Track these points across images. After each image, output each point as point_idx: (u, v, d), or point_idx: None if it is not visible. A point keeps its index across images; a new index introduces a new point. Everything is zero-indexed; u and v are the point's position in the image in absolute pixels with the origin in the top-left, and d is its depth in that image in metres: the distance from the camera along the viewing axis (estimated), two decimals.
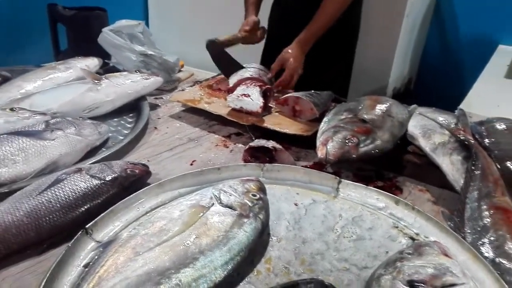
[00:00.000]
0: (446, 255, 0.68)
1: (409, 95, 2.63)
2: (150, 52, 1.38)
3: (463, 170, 0.91)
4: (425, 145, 1.00)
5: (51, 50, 1.64)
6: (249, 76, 1.25)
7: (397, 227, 0.82)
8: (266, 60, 1.55)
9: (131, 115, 1.25)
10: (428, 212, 0.88)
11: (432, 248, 0.69)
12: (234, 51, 1.47)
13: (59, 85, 1.23)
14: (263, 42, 1.65)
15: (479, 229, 0.78)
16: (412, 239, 0.80)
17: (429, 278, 0.62)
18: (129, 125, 1.20)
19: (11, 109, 1.03)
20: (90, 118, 1.12)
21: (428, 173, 1.01)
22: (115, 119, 1.22)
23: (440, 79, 2.68)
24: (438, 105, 1.18)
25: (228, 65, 1.45)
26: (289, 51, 1.37)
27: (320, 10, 1.40)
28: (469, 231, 0.79)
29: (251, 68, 1.32)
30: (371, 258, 0.75)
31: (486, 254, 0.74)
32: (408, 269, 0.64)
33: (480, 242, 0.76)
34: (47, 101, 1.13)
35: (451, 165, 0.93)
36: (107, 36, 1.39)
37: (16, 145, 0.89)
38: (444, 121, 1.05)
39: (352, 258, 0.75)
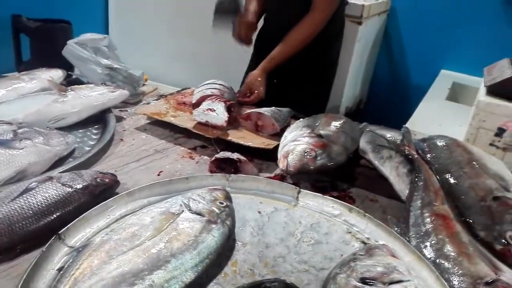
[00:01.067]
0: (393, 256, 0.77)
1: (359, 113, 2.79)
2: (115, 66, 1.41)
3: (408, 182, 1.01)
4: (374, 159, 1.10)
5: (12, 60, 1.61)
6: (210, 93, 1.32)
7: (350, 232, 0.91)
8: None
9: (96, 126, 1.27)
10: (378, 219, 0.98)
11: (381, 250, 0.77)
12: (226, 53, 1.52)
13: (25, 95, 1.23)
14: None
15: (422, 233, 0.88)
16: (364, 243, 0.88)
17: (379, 276, 0.70)
18: (94, 136, 1.22)
19: None
20: (56, 129, 1.13)
21: (378, 184, 1.10)
22: (81, 130, 1.24)
23: (388, 99, 2.88)
24: (386, 123, 1.30)
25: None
26: (254, 77, 1.54)
27: (285, 40, 1.54)
28: (413, 235, 0.88)
29: (216, 84, 1.39)
30: (327, 260, 0.83)
31: (428, 256, 0.83)
32: (360, 268, 0.72)
33: (423, 245, 0.85)
34: (12, 111, 1.13)
35: (397, 177, 1.03)
36: (72, 49, 1.41)
37: None
38: (391, 138, 1.16)
39: (311, 261, 0.82)
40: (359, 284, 0.69)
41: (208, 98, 1.27)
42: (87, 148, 1.13)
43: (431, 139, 1.15)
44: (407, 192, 0.99)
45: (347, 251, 0.85)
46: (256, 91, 1.52)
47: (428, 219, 0.90)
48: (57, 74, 1.40)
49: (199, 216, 0.80)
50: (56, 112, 1.18)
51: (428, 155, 1.08)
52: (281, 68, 1.58)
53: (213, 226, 0.79)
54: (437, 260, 0.82)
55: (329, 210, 0.96)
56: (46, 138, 1.00)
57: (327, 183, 1.12)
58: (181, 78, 2.22)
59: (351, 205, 0.96)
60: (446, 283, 0.75)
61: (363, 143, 1.17)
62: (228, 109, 1.24)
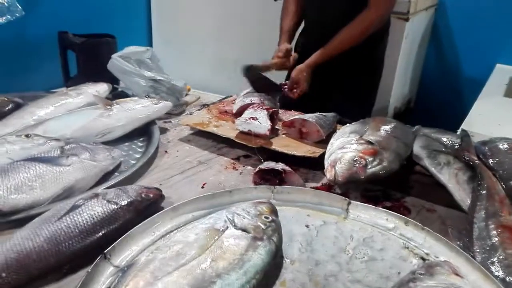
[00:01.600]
0: (457, 274, 0.70)
1: (409, 114, 2.67)
2: (159, 78, 1.41)
3: (469, 190, 0.93)
4: (430, 165, 1.02)
5: (60, 76, 1.67)
6: (250, 102, 1.29)
7: (407, 248, 0.84)
8: None
9: (141, 139, 1.28)
10: (437, 232, 0.90)
11: (443, 268, 0.71)
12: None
13: (71, 111, 1.26)
14: None
15: (488, 248, 0.80)
16: (423, 259, 0.81)
17: None
18: (140, 149, 1.22)
19: (26, 136, 1.05)
20: (102, 143, 1.15)
21: (435, 192, 1.02)
22: (126, 144, 1.25)
23: (439, 98, 2.73)
24: (438, 123, 1.21)
25: (265, 86, 1.51)
26: (299, 71, 1.51)
27: (337, 37, 1.50)
28: (478, 250, 0.81)
29: (255, 94, 1.37)
30: (383, 279, 0.77)
31: (496, 273, 0.75)
32: None
33: (490, 261, 0.77)
34: (60, 127, 1.16)
35: (457, 185, 0.95)
36: (116, 62, 1.43)
37: (33, 172, 0.91)
38: (448, 142, 1.08)
39: (365, 280, 0.77)
40: None
41: (250, 107, 1.24)
42: (133, 162, 1.13)
43: (493, 142, 1.06)
44: (469, 201, 0.91)
45: (404, 269, 0.78)
46: (300, 87, 1.49)
47: (494, 232, 0.82)
48: (103, 88, 1.42)
49: (244, 232, 0.77)
50: (102, 127, 1.19)
51: (491, 160, 0.99)
52: (325, 67, 1.53)
53: (259, 243, 0.75)
54: (507, 278, 0.73)
55: (383, 223, 0.90)
56: (92, 154, 1.01)
57: (379, 192, 1.06)
58: (224, 86, 2.22)
59: (407, 217, 0.89)
60: None
61: (417, 148, 1.10)
62: (271, 117, 1.20)
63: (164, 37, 2.79)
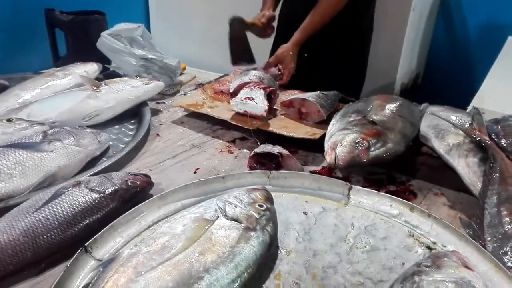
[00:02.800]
0: (466, 266, 0.64)
1: (417, 90, 2.57)
2: (150, 56, 1.34)
3: (480, 173, 0.86)
4: (438, 146, 0.95)
5: (50, 56, 1.60)
6: (249, 80, 1.21)
7: (412, 236, 0.78)
8: None
9: (132, 121, 1.22)
10: (445, 218, 0.85)
11: (451, 259, 0.65)
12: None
13: (58, 93, 1.19)
14: (271, 41, 1.64)
15: (500, 236, 0.74)
16: (429, 248, 0.75)
17: None
18: (130, 132, 1.16)
19: (8, 120, 0.99)
20: (90, 126, 1.09)
21: (443, 175, 0.96)
22: (116, 127, 1.19)
23: (448, 73, 2.62)
24: (447, 99, 1.14)
25: (241, 50, 1.43)
26: (285, 50, 1.41)
27: (315, 9, 1.42)
28: (489, 238, 0.75)
29: (253, 72, 1.28)
30: (386, 271, 0.71)
31: (509, 264, 0.69)
32: (427, 284, 0.60)
33: (502, 251, 0.72)
34: (45, 110, 1.10)
35: (467, 168, 0.88)
36: (106, 41, 1.35)
37: (13, 158, 0.86)
38: (457, 121, 1.00)
39: (366, 271, 0.71)
40: None
41: (246, 86, 1.17)
42: (122, 146, 1.08)
43: (506, 121, 0.99)
44: (480, 185, 0.84)
45: (409, 259, 0.73)
46: (286, 68, 1.40)
47: (507, 219, 0.76)
48: (93, 68, 1.36)
49: (235, 222, 0.71)
50: (89, 109, 1.13)
51: (504, 141, 0.92)
52: (311, 42, 1.45)
53: (252, 234, 0.70)
54: None
55: (386, 209, 0.84)
56: (77, 138, 0.95)
57: (383, 175, 1.00)
58: (224, 64, 2.14)
59: (412, 203, 0.82)
60: None
61: (425, 128, 1.03)
62: (268, 97, 1.13)
63: (162, 13, 2.69)
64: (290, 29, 1.45)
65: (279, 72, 1.40)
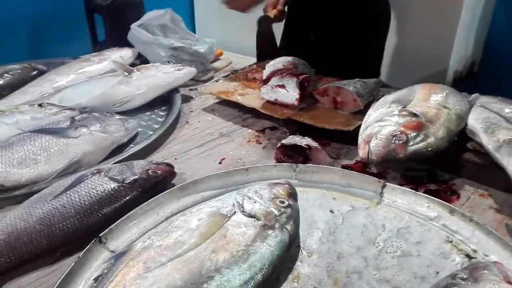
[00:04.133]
0: (509, 282, 0.56)
1: (473, 79, 2.38)
2: (179, 45, 1.30)
3: None
4: (487, 142, 0.85)
5: (89, 42, 1.62)
6: (282, 66, 1.15)
7: (451, 242, 0.70)
8: (286, 45, 1.47)
9: (163, 108, 1.20)
10: (490, 222, 0.76)
11: (492, 272, 0.57)
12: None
13: (90, 79, 1.20)
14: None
15: None
16: (469, 257, 0.68)
17: None
18: (160, 119, 1.14)
19: (40, 105, 1.00)
20: (121, 113, 1.08)
21: (491, 175, 0.86)
22: (147, 113, 1.17)
23: (508, 60, 2.40)
24: (506, 90, 1.02)
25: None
26: None
27: None
28: None
29: (288, 58, 1.22)
30: (418, 280, 0.64)
31: None
32: None
33: None
34: (77, 95, 1.10)
35: None
36: (135, 33, 1.33)
37: (39, 144, 0.86)
38: (510, 114, 0.89)
39: (395, 279, 0.65)
40: None
41: (278, 73, 1.11)
42: (151, 133, 1.06)
43: None
44: None
45: (445, 268, 0.66)
46: None
47: None
48: (127, 53, 1.35)
49: (253, 219, 0.67)
50: (121, 95, 1.12)
51: None
52: (318, 25, 1.37)
53: (270, 232, 0.65)
54: None
55: (423, 210, 0.76)
56: (103, 125, 0.94)
57: (423, 172, 0.91)
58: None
59: (452, 205, 0.74)
60: None
61: (473, 121, 0.92)
62: (301, 85, 1.07)
63: None
64: (300, 18, 1.38)
65: None
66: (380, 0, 1.52)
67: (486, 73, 2.45)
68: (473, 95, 1.01)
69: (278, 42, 1.54)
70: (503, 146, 0.83)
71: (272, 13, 1.42)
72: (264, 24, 1.41)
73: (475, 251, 0.68)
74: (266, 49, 1.43)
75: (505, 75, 2.29)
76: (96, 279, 0.62)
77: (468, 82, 2.31)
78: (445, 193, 0.85)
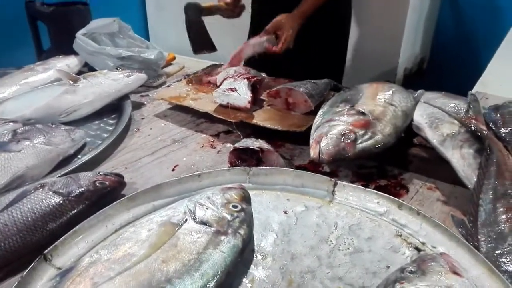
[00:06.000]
0: (455, 272, 0.58)
1: (422, 75, 2.47)
2: (127, 54, 1.27)
3: (475, 165, 0.79)
4: (432, 137, 0.89)
5: (33, 51, 1.55)
6: (234, 72, 1.14)
7: (400, 236, 0.72)
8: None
9: (113, 116, 1.16)
10: (438, 214, 0.79)
11: (438, 263, 0.59)
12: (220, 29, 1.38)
13: (34, 89, 1.15)
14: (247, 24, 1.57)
15: (495, 236, 0.68)
16: (418, 249, 0.70)
17: None
18: (110, 128, 1.11)
19: None
20: (69, 123, 1.05)
21: (438, 168, 0.89)
22: (96, 122, 1.14)
23: (455, 56, 2.51)
24: (454, 84, 1.06)
25: (199, 37, 1.39)
26: (285, 17, 1.33)
27: None
28: (483, 239, 0.68)
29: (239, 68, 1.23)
30: (369, 275, 0.66)
31: (503, 267, 0.63)
32: None
33: (497, 253, 0.66)
34: (20, 106, 1.05)
35: (461, 160, 0.81)
36: (80, 42, 1.29)
37: None
38: (454, 109, 0.93)
39: (347, 276, 0.65)
40: None
41: (230, 76, 1.10)
42: (100, 142, 1.02)
43: (507, 107, 0.91)
44: (475, 179, 0.77)
45: (395, 262, 0.67)
46: (283, 35, 1.30)
47: (504, 216, 0.70)
48: (74, 61, 1.31)
49: (205, 226, 0.66)
50: (66, 105, 1.08)
51: (503, 130, 0.85)
52: None
53: (222, 238, 0.64)
54: None
55: (373, 206, 0.78)
56: (48, 137, 0.90)
57: (373, 169, 0.93)
58: (221, 53, 2.07)
59: (401, 201, 0.76)
60: None
61: (418, 117, 0.96)
62: (253, 87, 1.07)
63: (158, 0, 2.62)
64: (268, 10, 1.37)
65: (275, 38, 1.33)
66: (342, 2, 1.55)
67: (434, 69, 2.55)
68: (418, 92, 1.05)
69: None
70: (447, 140, 0.86)
71: (207, 4, 1.41)
72: (190, 13, 1.38)
73: (423, 243, 0.70)
74: (200, 41, 1.40)
75: (452, 70, 2.39)
76: None
77: (418, 79, 2.40)
78: (395, 188, 0.88)
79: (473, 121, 0.85)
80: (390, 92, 1.00)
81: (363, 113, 0.91)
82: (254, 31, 1.50)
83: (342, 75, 1.65)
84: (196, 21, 1.38)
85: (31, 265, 0.63)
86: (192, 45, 1.40)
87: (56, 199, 0.72)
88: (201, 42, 1.37)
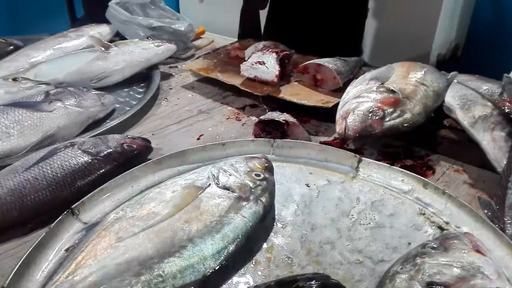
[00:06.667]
0: (478, 251, 0.57)
1: (456, 62, 2.39)
2: (158, 24, 1.27)
3: (506, 149, 0.77)
4: (463, 118, 0.86)
5: (67, 18, 1.58)
6: (263, 46, 1.14)
7: (423, 214, 0.71)
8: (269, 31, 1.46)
9: (142, 85, 1.18)
10: (464, 196, 0.77)
11: (461, 241, 0.58)
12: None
13: (66, 54, 1.17)
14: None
15: None
16: (441, 228, 0.69)
17: (454, 281, 0.51)
18: (139, 96, 1.13)
19: (14, 79, 0.98)
20: (99, 89, 1.06)
21: (466, 151, 0.87)
22: (125, 90, 1.15)
23: (492, 44, 2.41)
24: (489, 74, 1.03)
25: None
26: None
27: None
28: (509, 221, 0.67)
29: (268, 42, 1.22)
30: (389, 250, 0.65)
31: None
32: (429, 267, 0.54)
33: None
34: (53, 70, 1.08)
35: (492, 142, 0.79)
36: (114, 11, 1.30)
37: (12, 117, 0.84)
38: (487, 91, 0.90)
39: (367, 249, 0.65)
40: None
41: (259, 50, 1.10)
42: (128, 109, 1.04)
43: None
44: (505, 162, 0.75)
45: (417, 239, 0.66)
46: None
47: None
48: (106, 30, 1.33)
49: (227, 191, 0.67)
50: (98, 71, 1.10)
51: None
52: (301, 10, 1.35)
53: (244, 203, 0.65)
54: None
55: (397, 184, 0.77)
56: (79, 100, 0.93)
57: (400, 148, 0.92)
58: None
59: (426, 179, 0.75)
60: None
61: (449, 98, 0.93)
62: (281, 62, 1.06)
63: None
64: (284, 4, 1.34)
65: None
66: None
67: (469, 56, 2.46)
68: (452, 73, 1.02)
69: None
70: (478, 122, 0.84)
71: None
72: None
73: (447, 223, 0.69)
74: (249, 29, 1.41)
75: (489, 58, 2.30)
76: (67, 250, 0.62)
77: (452, 66, 2.32)
78: (421, 168, 0.86)
79: (507, 103, 0.82)
80: (422, 72, 0.97)
81: (393, 91, 0.89)
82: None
83: (360, 54, 1.61)
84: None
85: (59, 218, 0.65)
86: (240, 30, 1.42)
87: (85, 158, 0.75)
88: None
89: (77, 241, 0.61)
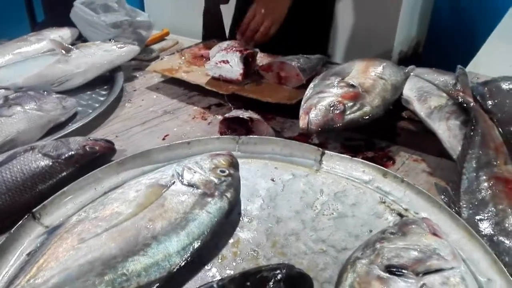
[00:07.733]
0: (434, 234, 0.59)
1: (417, 59, 2.47)
2: (121, 19, 1.26)
3: (461, 136, 0.80)
4: (420, 109, 0.90)
5: (27, 23, 1.55)
6: (227, 46, 1.15)
7: (384, 202, 0.74)
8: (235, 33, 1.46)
9: (105, 87, 1.16)
10: (423, 184, 0.80)
11: (419, 226, 0.61)
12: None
13: (27, 58, 1.15)
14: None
15: (476, 203, 0.69)
16: (400, 215, 0.71)
17: (412, 263, 0.53)
18: (102, 98, 1.11)
19: None
20: (61, 92, 1.04)
21: (424, 141, 0.90)
22: (88, 92, 1.14)
23: (450, 42, 2.50)
24: (449, 69, 1.07)
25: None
26: None
27: None
28: (465, 205, 0.70)
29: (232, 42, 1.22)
30: (352, 238, 0.67)
31: (483, 232, 0.65)
32: (388, 252, 0.56)
33: (477, 218, 0.67)
34: (11, 75, 1.05)
35: (447, 131, 0.82)
36: (79, 12, 1.28)
37: None
38: (443, 83, 0.94)
39: (330, 239, 0.67)
40: (384, 275, 0.53)
41: (223, 49, 1.11)
42: (91, 112, 1.03)
43: (494, 82, 0.92)
44: (460, 149, 0.78)
45: (378, 226, 0.69)
46: (269, 17, 1.19)
47: (485, 184, 0.71)
48: (67, 33, 1.30)
49: (192, 188, 0.67)
50: (58, 74, 1.08)
51: (489, 102, 0.86)
52: None
53: (209, 200, 0.66)
54: (495, 238, 0.64)
55: (358, 175, 0.79)
56: (39, 103, 0.91)
57: (361, 141, 0.95)
58: None
59: (385, 169, 0.78)
60: (505, 269, 0.57)
61: (407, 91, 0.97)
62: (245, 60, 1.07)
63: None
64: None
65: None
66: None
67: (430, 53, 2.55)
68: (410, 67, 1.06)
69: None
70: (434, 112, 0.87)
71: None
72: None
73: (406, 209, 0.72)
74: (212, 29, 1.41)
75: (448, 54, 2.38)
76: (29, 254, 0.60)
77: (413, 63, 2.39)
78: (381, 159, 0.89)
79: (461, 93, 0.86)
80: (381, 66, 1.00)
81: (352, 86, 0.92)
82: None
83: (327, 51, 1.64)
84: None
85: (19, 223, 0.64)
86: (204, 31, 1.41)
87: (46, 161, 0.73)
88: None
89: (38, 245, 0.60)
